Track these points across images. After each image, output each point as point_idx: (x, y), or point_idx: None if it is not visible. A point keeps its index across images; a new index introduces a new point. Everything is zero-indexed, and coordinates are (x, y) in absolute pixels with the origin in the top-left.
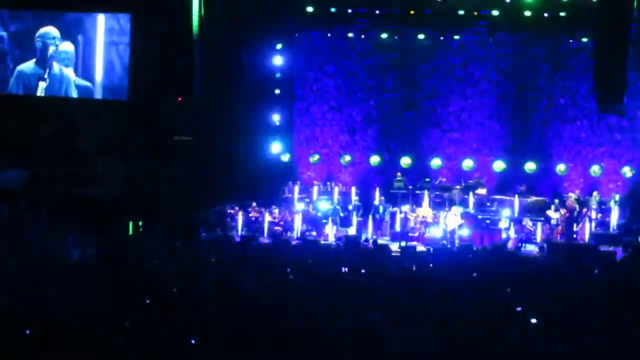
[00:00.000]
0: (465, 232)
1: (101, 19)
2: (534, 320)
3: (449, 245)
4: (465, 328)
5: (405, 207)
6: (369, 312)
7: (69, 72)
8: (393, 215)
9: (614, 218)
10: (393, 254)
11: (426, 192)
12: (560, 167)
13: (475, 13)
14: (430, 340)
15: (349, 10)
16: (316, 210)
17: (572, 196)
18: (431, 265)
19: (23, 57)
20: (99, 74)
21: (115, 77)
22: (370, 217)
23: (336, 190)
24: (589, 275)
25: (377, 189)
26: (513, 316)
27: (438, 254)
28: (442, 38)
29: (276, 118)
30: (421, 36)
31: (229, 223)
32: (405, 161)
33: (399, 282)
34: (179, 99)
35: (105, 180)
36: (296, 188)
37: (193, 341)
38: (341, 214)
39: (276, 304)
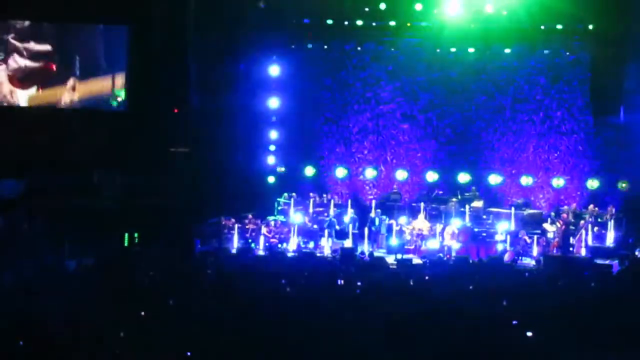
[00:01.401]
0: (461, 244)
1: None
2: (529, 334)
3: (445, 258)
4: (461, 340)
5: (402, 220)
6: (365, 324)
7: None
8: (389, 228)
9: (611, 231)
10: (389, 266)
11: (422, 205)
12: (557, 180)
13: (472, 25)
14: (426, 352)
15: (345, 22)
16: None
17: (569, 210)
18: (427, 277)
19: None
20: None
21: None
22: (366, 229)
23: (332, 202)
24: (585, 288)
25: (373, 201)
26: (509, 329)
27: (434, 266)
28: (438, 50)
29: (272, 130)
30: (417, 48)
31: (225, 235)
32: (402, 173)
33: (395, 294)
34: (175, 110)
35: (101, 191)
36: (292, 200)
37: (189, 353)
38: (337, 227)
39: (272, 315)
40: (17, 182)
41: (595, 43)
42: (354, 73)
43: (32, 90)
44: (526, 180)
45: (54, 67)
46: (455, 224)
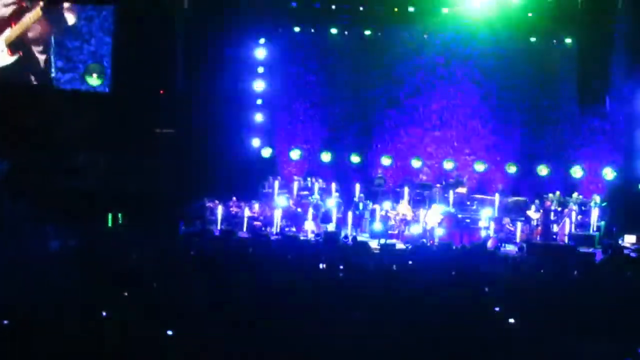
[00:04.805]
0: (444, 230)
1: None
2: (511, 320)
3: (428, 244)
4: (443, 327)
5: (386, 205)
6: (347, 309)
7: None
8: (373, 213)
9: (594, 220)
10: (372, 251)
11: (406, 190)
12: (542, 168)
13: (459, 12)
14: (407, 338)
15: (333, 7)
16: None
17: (553, 197)
18: (410, 263)
19: None
20: None
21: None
22: (350, 213)
23: (316, 186)
24: (568, 276)
25: (358, 185)
26: (491, 316)
27: (417, 252)
28: (425, 36)
29: (258, 113)
30: (404, 34)
31: (209, 217)
32: (386, 159)
33: (377, 279)
34: (161, 92)
35: (86, 172)
36: (276, 183)
37: (170, 332)
38: (323, 209)
39: (253, 297)
40: (1, 162)
41: (582, 32)
42: (341, 58)
43: (7, 32)
44: (511, 168)
45: (24, 4)
46: (437, 209)
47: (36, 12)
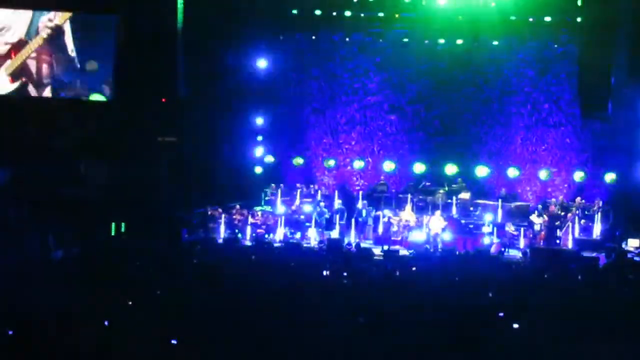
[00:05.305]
0: (448, 236)
1: None
2: (515, 325)
3: (431, 250)
4: (447, 331)
5: (388, 211)
6: (351, 315)
7: None
8: (376, 219)
9: (597, 224)
10: (376, 257)
11: (409, 196)
12: (544, 173)
13: (460, 17)
14: (411, 343)
15: (334, 13)
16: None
17: (556, 202)
18: (414, 269)
19: None
20: None
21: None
22: (353, 220)
23: (319, 193)
24: (572, 281)
25: (360, 192)
26: (495, 321)
27: (421, 258)
28: (426, 42)
29: (260, 120)
30: (406, 40)
31: (212, 224)
32: (389, 165)
33: (381, 285)
34: (163, 100)
35: (88, 180)
36: (279, 190)
37: (174, 341)
38: (327, 216)
39: (257, 305)
40: (3, 171)
41: (583, 36)
42: (342, 64)
43: (8, 62)
44: (513, 173)
45: (24, 38)
46: (440, 215)
47: (36, 41)
